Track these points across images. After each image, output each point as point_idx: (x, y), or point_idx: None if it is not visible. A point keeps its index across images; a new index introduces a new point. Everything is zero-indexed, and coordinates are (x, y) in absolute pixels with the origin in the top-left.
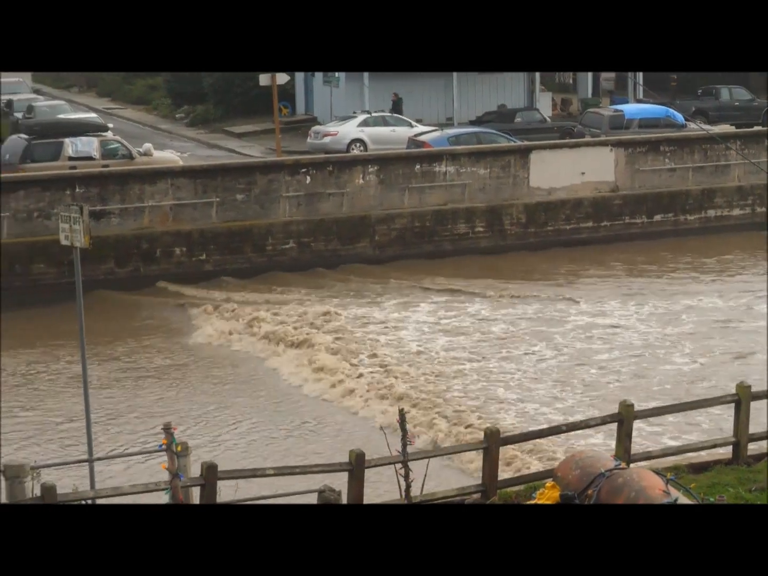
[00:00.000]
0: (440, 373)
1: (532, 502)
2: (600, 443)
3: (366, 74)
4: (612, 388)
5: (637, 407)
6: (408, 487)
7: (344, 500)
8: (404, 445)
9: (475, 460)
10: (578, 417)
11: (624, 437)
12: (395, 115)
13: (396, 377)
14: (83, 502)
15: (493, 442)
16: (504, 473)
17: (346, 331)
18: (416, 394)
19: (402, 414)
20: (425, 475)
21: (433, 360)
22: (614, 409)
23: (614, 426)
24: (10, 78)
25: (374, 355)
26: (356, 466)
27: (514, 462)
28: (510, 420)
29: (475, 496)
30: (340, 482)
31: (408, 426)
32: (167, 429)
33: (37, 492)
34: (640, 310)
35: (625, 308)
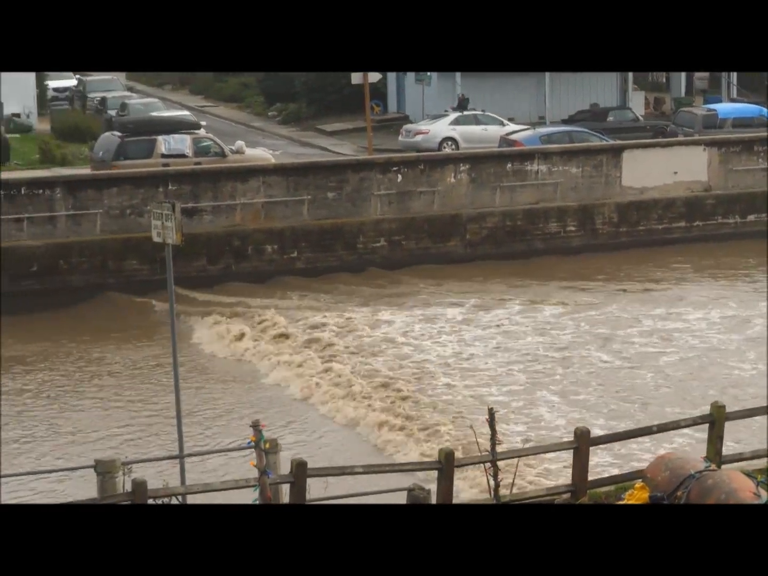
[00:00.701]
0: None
1: (622, 502)
2: (688, 444)
3: (458, 73)
4: (667, 391)
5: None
6: (497, 486)
7: (433, 499)
8: (493, 445)
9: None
10: (668, 419)
11: (715, 439)
12: (487, 113)
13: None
14: (174, 499)
15: (583, 443)
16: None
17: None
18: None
19: (491, 413)
20: (515, 475)
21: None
22: (696, 411)
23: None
24: (104, 75)
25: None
26: (446, 464)
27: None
28: (600, 422)
29: (565, 496)
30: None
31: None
32: (255, 426)
33: (128, 487)
34: (724, 313)
35: (710, 310)
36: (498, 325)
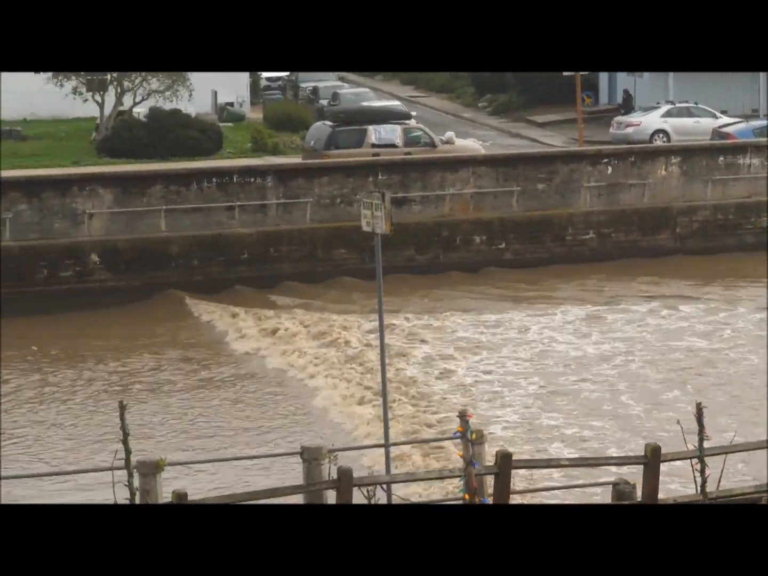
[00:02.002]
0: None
1: None
2: None
3: None
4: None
5: None
6: (704, 483)
7: (638, 494)
8: (701, 440)
9: None
10: None
11: None
12: (699, 105)
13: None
14: (379, 487)
15: None
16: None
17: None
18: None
19: (699, 408)
20: (722, 471)
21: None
22: None
23: None
24: None
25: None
26: (651, 459)
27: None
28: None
29: None
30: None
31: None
32: (462, 416)
33: (334, 475)
34: None
35: None
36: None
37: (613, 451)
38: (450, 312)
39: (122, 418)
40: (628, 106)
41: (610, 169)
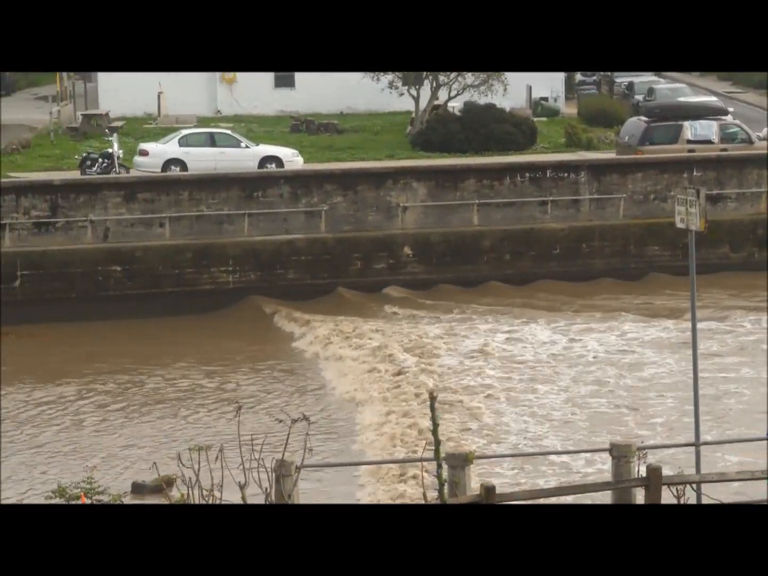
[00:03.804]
0: None
1: None
2: None
3: None
4: None
5: None
6: None
7: None
8: None
9: None
10: None
11: None
12: None
13: None
14: (689, 486)
15: None
16: None
17: None
18: None
19: None
20: None
21: None
22: None
23: None
24: None
25: None
26: None
27: None
28: None
29: None
30: None
31: None
32: None
33: (642, 473)
34: None
35: None
36: None
37: None
38: None
39: (432, 408)
40: None
41: None
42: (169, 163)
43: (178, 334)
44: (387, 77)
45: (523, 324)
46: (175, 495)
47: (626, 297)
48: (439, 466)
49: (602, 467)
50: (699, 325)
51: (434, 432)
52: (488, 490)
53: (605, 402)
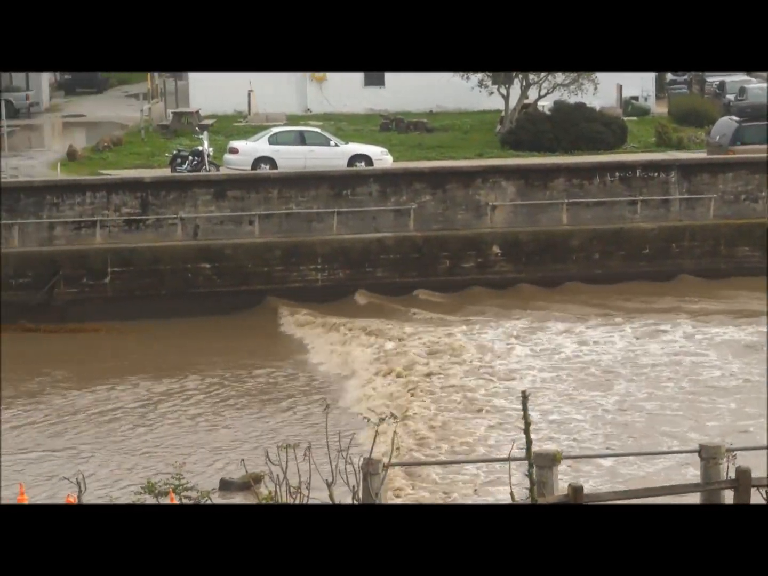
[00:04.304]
0: None
1: None
2: None
3: None
4: None
5: None
6: None
7: None
8: None
9: None
10: None
11: None
12: None
13: None
14: None
15: None
16: None
17: None
18: None
19: None
20: None
21: None
22: None
23: None
24: None
25: None
26: None
27: None
28: None
29: None
30: None
31: None
32: None
33: (732, 474)
34: None
35: None
36: None
37: None
38: None
39: (524, 408)
40: None
41: None
42: (258, 161)
43: None
44: (477, 76)
45: (600, 325)
46: (263, 492)
47: (713, 298)
48: (531, 466)
49: (649, 470)
50: None
51: (526, 431)
52: (576, 490)
53: (677, 404)
